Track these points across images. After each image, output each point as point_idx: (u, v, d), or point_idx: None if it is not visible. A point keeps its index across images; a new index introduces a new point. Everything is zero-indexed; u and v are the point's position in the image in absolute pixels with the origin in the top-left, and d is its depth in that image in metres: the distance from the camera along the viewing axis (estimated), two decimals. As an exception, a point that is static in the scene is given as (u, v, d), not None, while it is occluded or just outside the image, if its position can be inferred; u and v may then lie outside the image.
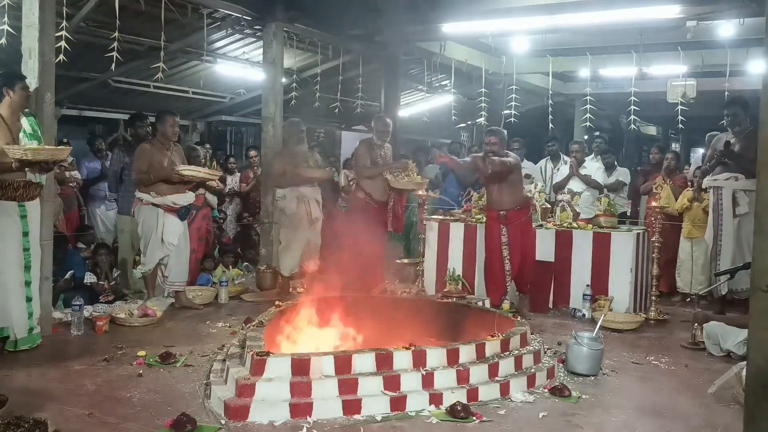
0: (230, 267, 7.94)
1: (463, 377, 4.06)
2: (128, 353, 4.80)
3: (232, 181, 9.06)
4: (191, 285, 6.81)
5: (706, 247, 6.99)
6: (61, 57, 5.21)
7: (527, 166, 8.13)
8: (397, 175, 6.93)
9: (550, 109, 9.22)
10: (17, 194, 4.74)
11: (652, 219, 6.55)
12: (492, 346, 4.38)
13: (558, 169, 8.23)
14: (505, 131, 6.52)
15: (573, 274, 6.70)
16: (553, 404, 4.04)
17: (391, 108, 9.42)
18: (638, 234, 6.70)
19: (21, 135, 4.78)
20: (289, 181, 6.86)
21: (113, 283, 6.71)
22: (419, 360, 4.03)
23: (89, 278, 6.51)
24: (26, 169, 4.70)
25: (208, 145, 8.88)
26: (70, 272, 6.36)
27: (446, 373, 4.03)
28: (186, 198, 6.26)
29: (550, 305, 6.78)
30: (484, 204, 7.31)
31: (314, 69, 8.88)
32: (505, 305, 6.35)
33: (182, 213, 6.23)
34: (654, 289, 6.54)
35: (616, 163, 8.83)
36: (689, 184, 7.46)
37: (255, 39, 8.64)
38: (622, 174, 8.62)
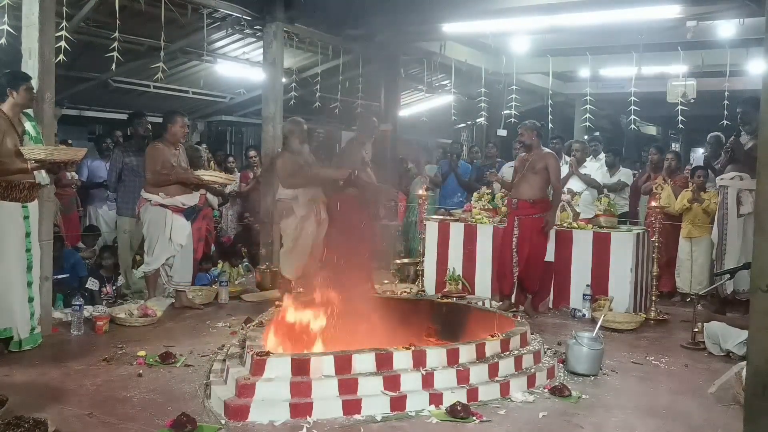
0: (237, 267, 7.94)
1: (463, 377, 4.05)
2: (128, 353, 4.80)
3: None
4: (191, 285, 6.79)
5: (705, 247, 6.99)
6: (61, 57, 5.22)
7: None
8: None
9: (550, 109, 9.22)
10: (22, 195, 4.74)
11: (652, 219, 6.55)
12: (492, 346, 4.38)
13: (559, 168, 8.21)
14: (537, 123, 6.51)
15: (573, 274, 6.69)
16: (553, 404, 4.04)
17: (391, 108, 9.42)
18: (638, 234, 6.69)
19: (26, 138, 4.79)
20: (302, 181, 6.48)
21: (115, 287, 6.66)
22: (419, 360, 4.03)
23: (92, 284, 6.46)
24: (35, 171, 4.71)
25: (204, 146, 8.87)
26: (62, 276, 6.30)
27: (446, 373, 4.03)
28: (193, 198, 6.28)
29: (550, 305, 6.78)
30: (484, 204, 7.33)
31: (314, 69, 8.88)
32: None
33: (187, 213, 6.24)
34: (654, 289, 6.54)
35: (620, 165, 8.81)
36: (689, 184, 7.46)
37: (255, 39, 8.64)
38: (625, 175, 8.61)
